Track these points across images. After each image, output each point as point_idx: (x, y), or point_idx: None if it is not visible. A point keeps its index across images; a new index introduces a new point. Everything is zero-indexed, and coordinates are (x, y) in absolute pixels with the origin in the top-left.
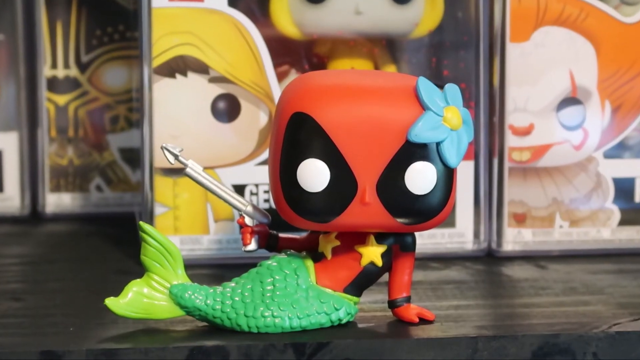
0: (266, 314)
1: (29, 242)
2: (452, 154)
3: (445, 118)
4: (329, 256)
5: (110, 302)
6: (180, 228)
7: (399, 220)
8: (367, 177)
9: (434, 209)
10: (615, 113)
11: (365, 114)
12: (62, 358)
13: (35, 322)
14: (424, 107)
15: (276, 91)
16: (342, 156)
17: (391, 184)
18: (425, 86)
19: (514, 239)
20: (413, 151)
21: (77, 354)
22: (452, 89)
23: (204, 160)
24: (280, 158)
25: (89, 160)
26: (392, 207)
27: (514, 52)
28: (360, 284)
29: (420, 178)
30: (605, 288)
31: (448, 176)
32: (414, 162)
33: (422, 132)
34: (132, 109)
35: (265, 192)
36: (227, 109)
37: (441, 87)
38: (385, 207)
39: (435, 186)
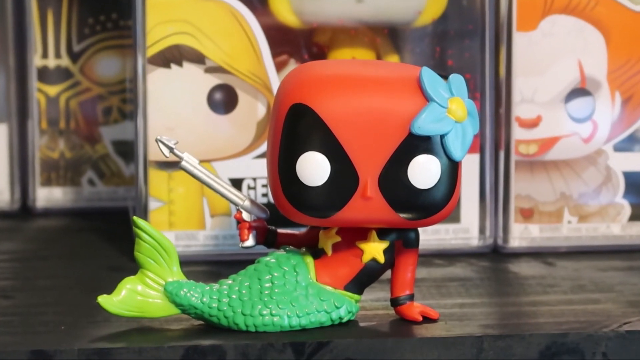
0: (264, 312)
1: (19, 237)
2: (456, 147)
3: (450, 110)
4: (330, 252)
5: (103, 299)
6: (176, 223)
7: (402, 215)
8: (368, 170)
9: (437, 203)
10: (626, 104)
11: (367, 106)
12: (53, 358)
13: (25, 320)
14: (427, 99)
15: (275, 82)
16: (342, 149)
17: (394, 178)
18: (429, 77)
19: (521, 234)
20: (416, 144)
21: (68, 354)
22: (456, 79)
23: (200, 153)
24: (279, 151)
25: (81, 153)
26: (395, 201)
27: (521, 41)
28: (361, 281)
29: (424, 172)
30: (615, 286)
31: (452, 170)
32: (417, 155)
33: (425, 124)
34: (125, 100)
35: (264, 186)
36: (224, 100)
37: (445, 77)
38: (388, 201)
39: (439, 180)
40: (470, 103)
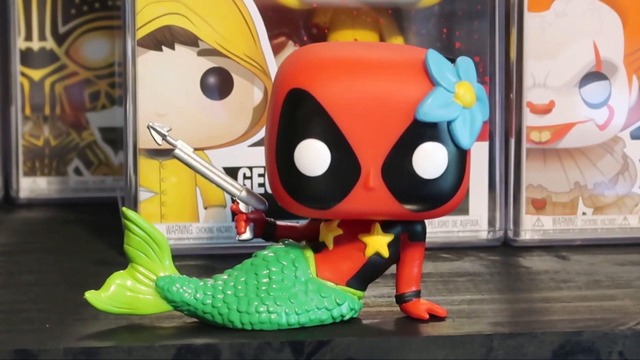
0: (261, 309)
1: (1, 230)
2: (464, 134)
3: (457, 95)
4: (331, 246)
5: (91, 295)
6: (167, 215)
7: (407, 206)
8: (371, 159)
9: (445, 194)
10: None
11: (369, 91)
12: (37, 357)
13: (8, 318)
14: (433, 83)
15: (272, 65)
16: (343, 137)
17: (398, 167)
18: (435, 60)
19: (533, 227)
20: (422, 131)
21: (53, 353)
22: (464, 62)
23: (193, 141)
24: (277, 139)
25: (67, 140)
26: (399, 192)
27: (533, 22)
28: (364, 277)
29: (430, 161)
30: (632, 281)
31: (460, 158)
32: (422, 143)
33: (431, 110)
34: (114, 85)
35: (261, 175)
36: (218, 84)
37: (453, 60)
38: (392, 192)
39: (446, 169)
40: (479, 87)
